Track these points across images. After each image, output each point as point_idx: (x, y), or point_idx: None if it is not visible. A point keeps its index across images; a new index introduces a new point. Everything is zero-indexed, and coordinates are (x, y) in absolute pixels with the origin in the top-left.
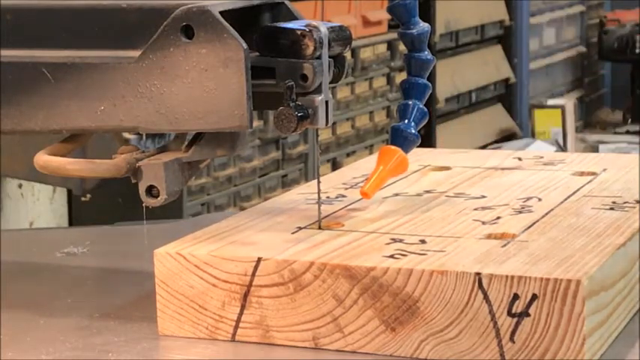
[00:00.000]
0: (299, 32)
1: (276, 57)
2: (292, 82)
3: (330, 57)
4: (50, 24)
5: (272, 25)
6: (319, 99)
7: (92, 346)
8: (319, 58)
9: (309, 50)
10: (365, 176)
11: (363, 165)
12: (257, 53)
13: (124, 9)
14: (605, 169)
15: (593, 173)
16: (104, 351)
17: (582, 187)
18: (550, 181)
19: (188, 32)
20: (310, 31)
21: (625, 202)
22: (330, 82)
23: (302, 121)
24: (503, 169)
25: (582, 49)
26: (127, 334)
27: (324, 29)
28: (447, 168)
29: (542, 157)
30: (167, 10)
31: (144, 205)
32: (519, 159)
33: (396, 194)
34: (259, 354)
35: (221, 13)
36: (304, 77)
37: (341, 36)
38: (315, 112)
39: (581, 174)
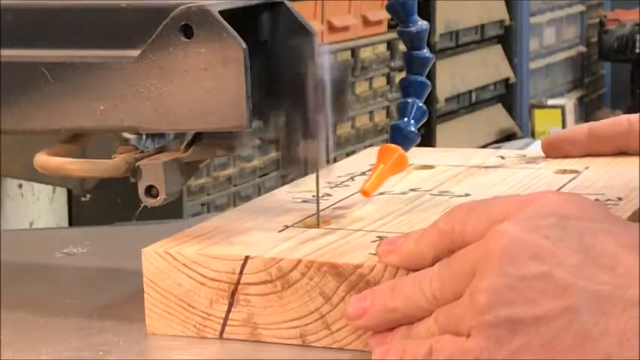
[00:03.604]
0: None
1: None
2: (293, 133)
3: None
4: (50, 24)
5: (273, 75)
6: (322, 147)
7: (92, 346)
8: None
9: (311, 101)
10: (350, 175)
11: (347, 164)
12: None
13: (124, 9)
14: (587, 167)
15: (576, 171)
16: (104, 351)
17: (565, 184)
18: (533, 179)
19: (187, 32)
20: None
21: (607, 200)
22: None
23: (303, 171)
24: (486, 167)
25: (582, 49)
26: (126, 334)
27: (325, 79)
28: (431, 167)
29: (524, 156)
30: (166, 10)
31: (142, 205)
32: (502, 157)
33: (381, 193)
34: (257, 354)
35: (220, 12)
36: (305, 127)
37: (340, 89)
38: (318, 158)
39: (564, 172)
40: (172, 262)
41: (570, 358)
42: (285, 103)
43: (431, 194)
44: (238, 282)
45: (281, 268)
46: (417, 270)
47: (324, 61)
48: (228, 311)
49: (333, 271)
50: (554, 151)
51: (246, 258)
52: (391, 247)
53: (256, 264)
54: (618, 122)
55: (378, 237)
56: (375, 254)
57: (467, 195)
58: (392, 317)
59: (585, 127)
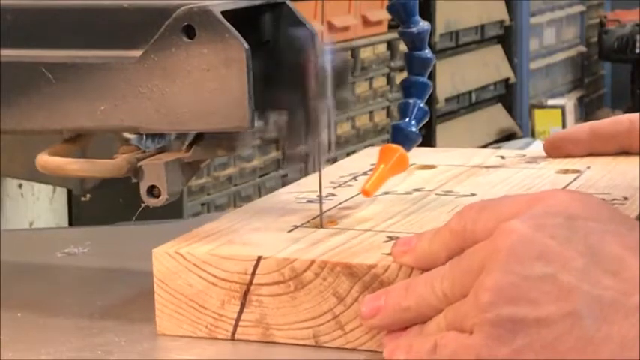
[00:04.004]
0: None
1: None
2: (295, 123)
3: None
4: (50, 24)
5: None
6: (321, 140)
7: (92, 346)
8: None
9: (313, 89)
10: (352, 175)
11: (349, 164)
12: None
13: (125, 9)
14: (588, 167)
15: (578, 171)
16: (104, 351)
17: (569, 184)
18: (536, 178)
19: (189, 32)
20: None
21: (613, 199)
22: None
23: (306, 161)
24: (487, 167)
25: (582, 49)
26: (127, 334)
27: (328, 68)
28: (432, 167)
29: (524, 156)
30: (168, 10)
31: (143, 205)
32: (502, 157)
33: (386, 193)
34: (260, 353)
35: (222, 13)
36: (307, 117)
37: (342, 71)
38: (319, 155)
39: (565, 172)
40: (183, 262)
41: None
42: (286, 101)
43: (436, 194)
44: (250, 282)
45: (294, 269)
46: (431, 270)
47: (325, 54)
48: (240, 312)
49: (346, 271)
50: (556, 150)
51: (259, 258)
52: (406, 247)
53: (269, 264)
54: (620, 121)
55: (389, 237)
56: (388, 254)
57: (472, 195)
58: (405, 316)
59: (587, 126)
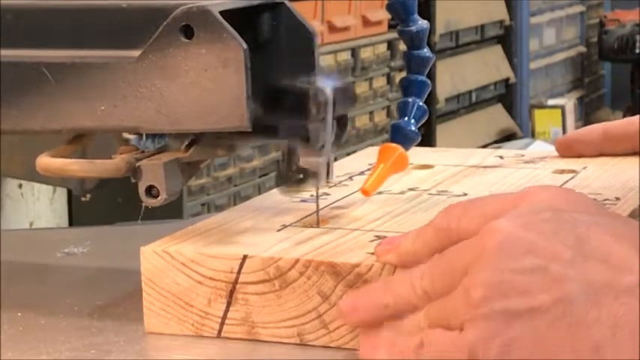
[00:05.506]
0: (304, 93)
1: (279, 115)
2: (295, 144)
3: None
4: (50, 24)
5: (276, 84)
6: (321, 160)
7: (92, 346)
8: (323, 119)
9: (314, 112)
10: (348, 174)
11: (346, 164)
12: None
13: (124, 9)
14: (585, 167)
15: (574, 171)
16: (104, 351)
17: (563, 184)
18: (531, 179)
19: (188, 32)
20: (316, 93)
21: (605, 200)
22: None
23: (303, 183)
24: (485, 167)
25: (582, 49)
26: (127, 334)
27: (329, 90)
28: (430, 166)
29: (523, 156)
30: (167, 10)
31: (143, 205)
32: (501, 157)
33: (380, 192)
34: (259, 353)
35: (221, 13)
36: (307, 138)
37: (345, 97)
38: (317, 173)
39: (562, 172)
40: (170, 260)
41: (562, 348)
42: (285, 112)
43: (429, 194)
44: (236, 281)
45: (279, 268)
46: None
47: (327, 83)
48: (227, 310)
49: (330, 270)
50: (568, 150)
51: (245, 257)
52: (390, 246)
53: (254, 263)
54: (633, 122)
55: (376, 236)
56: (372, 254)
57: (465, 195)
58: (384, 313)
59: (600, 127)
